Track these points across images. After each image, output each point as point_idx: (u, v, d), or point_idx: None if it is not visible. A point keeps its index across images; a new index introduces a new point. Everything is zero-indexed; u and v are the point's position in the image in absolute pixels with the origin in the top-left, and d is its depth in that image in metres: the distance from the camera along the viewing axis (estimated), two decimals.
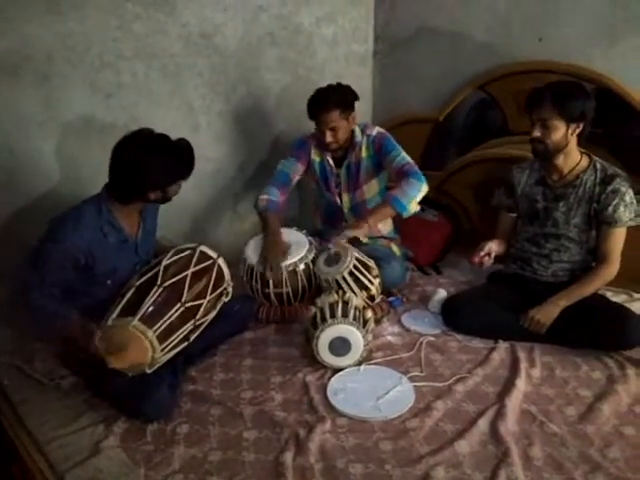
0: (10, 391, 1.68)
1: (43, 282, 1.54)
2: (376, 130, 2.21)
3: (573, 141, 1.81)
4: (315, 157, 2.30)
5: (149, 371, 1.49)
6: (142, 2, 2.02)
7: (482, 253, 1.96)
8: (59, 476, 1.35)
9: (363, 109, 2.28)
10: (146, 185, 1.58)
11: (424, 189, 2.06)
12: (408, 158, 2.13)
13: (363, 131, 2.21)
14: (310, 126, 2.20)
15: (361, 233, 2.02)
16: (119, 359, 1.44)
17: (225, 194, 2.59)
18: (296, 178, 2.31)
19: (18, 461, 1.50)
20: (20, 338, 1.90)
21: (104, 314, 1.49)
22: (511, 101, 2.48)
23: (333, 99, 2.05)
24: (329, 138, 2.10)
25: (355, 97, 2.14)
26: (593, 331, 1.75)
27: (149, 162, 1.53)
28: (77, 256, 1.54)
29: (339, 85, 2.12)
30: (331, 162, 2.26)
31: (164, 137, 1.58)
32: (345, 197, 2.32)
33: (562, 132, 1.76)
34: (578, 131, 1.78)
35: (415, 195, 2.03)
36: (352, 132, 2.18)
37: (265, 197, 2.20)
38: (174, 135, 1.61)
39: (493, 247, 1.98)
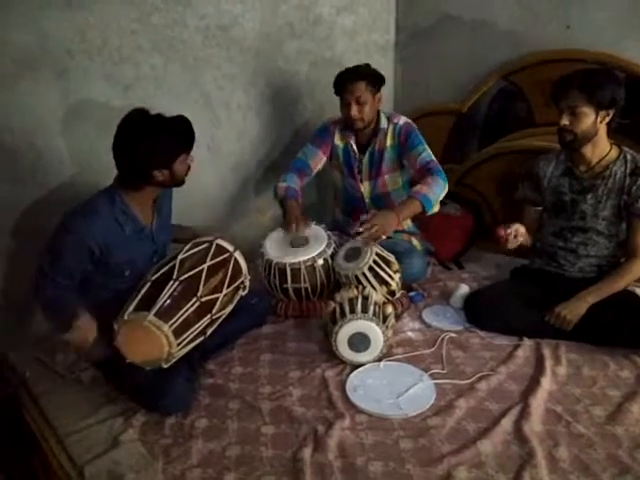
0: (32, 383, 1.70)
1: (55, 272, 1.54)
2: (403, 120, 2.18)
3: (602, 130, 1.74)
4: (339, 142, 2.27)
5: (165, 366, 1.48)
6: None
7: (509, 230, 1.84)
8: (78, 468, 1.36)
9: (384, 100, 2.24)
10: (149, 165, 1.55)
11: (446, 189, 2.05)
12: (432, 155, 2.11)
13: (389, 119, 2.18)
14: (333, 114, 2.17)
15: (389, 230, 1.97)
16: (135, 353, 1.44)
17: (246, 187, 2.57)
18: (317, 166, 2.29)
19: (38, 452, 1.52)
20: (41, 331, 1.92)
21: (122, 308, 1.48)
22: (537, 91, 2.39)
23: (361, 71, 2.08)
24: (354, 111, 2.07)
25: (382, 78, 2.13)
26: (622, 329, 1.69)
27: (146, 141, 1.51)
28: (91, 248, 1.53)
29: (367, 64, 2.13)
30: (355, 147, 2.23)
31: (157, 115, 1.56)
32: (366, 185, 2.29)
33: (591, 120, 1.70)
34: (608, 119, 1.71)
35: (440, 194, 2.02)
36: (378, 117, 2.16)
37: (284, 185, 2.20)
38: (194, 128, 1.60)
39: (521, 230, 1.85)
